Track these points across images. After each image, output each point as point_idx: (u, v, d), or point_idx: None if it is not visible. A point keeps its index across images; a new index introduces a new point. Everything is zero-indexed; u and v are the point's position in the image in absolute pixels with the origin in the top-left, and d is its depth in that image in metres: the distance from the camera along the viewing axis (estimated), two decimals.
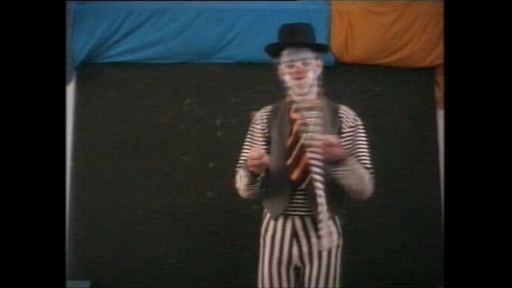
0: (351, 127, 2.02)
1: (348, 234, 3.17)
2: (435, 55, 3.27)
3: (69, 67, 3.08)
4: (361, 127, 2.03)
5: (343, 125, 2.01)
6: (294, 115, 1.95)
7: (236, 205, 3.01)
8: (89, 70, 3.23)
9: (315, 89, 1.99)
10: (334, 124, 1.99)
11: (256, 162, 1.82)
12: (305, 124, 1.89)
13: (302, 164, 1.90)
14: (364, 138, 2.04)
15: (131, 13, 3.18)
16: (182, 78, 3.27)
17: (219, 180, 3.12)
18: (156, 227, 3.16)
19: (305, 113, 1.92)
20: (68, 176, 3.14)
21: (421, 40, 3.28)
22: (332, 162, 1.84)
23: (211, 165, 3.20)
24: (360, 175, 1.92)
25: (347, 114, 2.04)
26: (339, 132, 1.99)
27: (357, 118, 2.05)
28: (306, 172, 1.89)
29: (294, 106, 1.96)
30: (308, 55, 1.96)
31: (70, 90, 3.20)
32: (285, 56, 2.00)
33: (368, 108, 3.30)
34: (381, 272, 3.18)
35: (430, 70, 3.36)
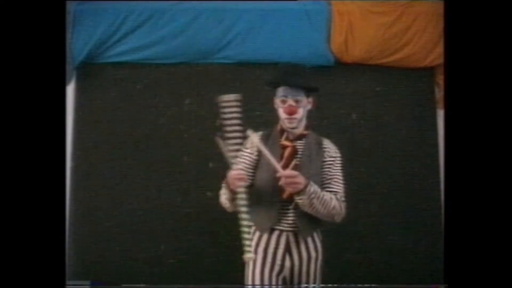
0: (332, 157, 2.23)
1: (348, 234, 3.20)
2: (435, 55, 3.26)
3: (69, 67, 3.08)
4: (339, 159, 2.25)
5: (325, 155, 2.22)
6: (285, 142, 2.21)
7: None
8: (89, 70, 3.22)
9: (303, 122, 2.25)
10: (319, 153, 2.22)
11: (233, 179, 2.05)
12: (295, 151, 2.18)
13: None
14: (340, 168, 2.25)
15: (131, 13, 3.17)
16: (182, 78, 3.26)
17: (219, 180, 3.11)
18: (156, 227, 3.16)
19: (295, 141, 2.22)
20: (68, 176, 3.13)
21: (421, 40, 3.27)
22: (296, 192, 2.04)
23: (211, 165, 3.20)
24: (324, 201, 2.10)
25: (330, 146, 2.27)
26: (321, 161, 2.21)
27: (337, 151, 2.27)
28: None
29: (285, 134, 2.22)
30: (299, 94, 2.18)
31: (70, 90, 3.20)
32: (280, 92, 2.22)
33: (368, 108, 3.31)
34: (381, 272, 3.18)
35: (430, 70, 3.35)
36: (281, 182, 2.03)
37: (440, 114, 3.27)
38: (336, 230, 2.97)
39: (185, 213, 3.18)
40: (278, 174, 2.03)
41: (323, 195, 2.10)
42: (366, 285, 3.12)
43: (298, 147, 2.21)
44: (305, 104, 2.21)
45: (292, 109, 2.16)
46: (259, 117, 3.09)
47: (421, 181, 3.29)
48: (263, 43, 3.18)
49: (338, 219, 2.19)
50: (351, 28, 3.23)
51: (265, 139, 2.25)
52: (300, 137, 2.23)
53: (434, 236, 3.18)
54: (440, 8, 3.00)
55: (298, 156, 2.19)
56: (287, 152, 2.18)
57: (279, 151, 2.19)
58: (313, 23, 3.21)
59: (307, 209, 2.09)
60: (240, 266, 3.03)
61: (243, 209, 2.06)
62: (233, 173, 2.07)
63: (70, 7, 3.10)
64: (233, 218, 3.08)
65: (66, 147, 2.66)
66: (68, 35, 3.08)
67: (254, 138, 2.15)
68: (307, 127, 2.27)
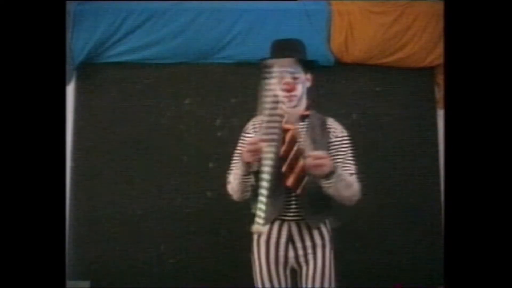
0: (338, 137, 2.11)
1: (348, 234, 3.20)
2: (435, 55, 3.27)
3: (69, 67, 3.08)
4: (347, 138, 2.12)
5: (331, 135, 2.10)
6: (286, 125, 2.05)
7: (236, 205, 2.99)
8: (89, 70, 3.23)
9: (304, 102, 2.12)
10: (323, 135, 2.09)
11: (252, 147, 1.89)
12: (297, 134, 2.03)
13: (296, 170, 2.00)
14: (349, 148, 2.12)
15: (131, 13, 3.18)
16: (182, 78, 3.27)
17: (219, 180, 3.10)
18: (156, 227, 3.16)
19: (297, 124, 2.06)
20: (68, 176, 3.14)
21: (421, 40, 3.28)
22: (323, 175, 1.90)
23: (211, 165, 3.20)
24: (348, 183, 1.98)
25: (335, 126, 2.14)
26: (328, 142, 2.08)
27: (344, 130, 2.14)
28: (300, 178, 2.00)
29: (286, 116, 2.07)
30: (297, 69, 2.06)
31: (70, 90, 3.20)
32: (276, 70, 2.06)
33: (368, 108, 3.31)
34: (381, 272, 3.18)
35: (430, 70, 3.36)
36: (308, 163, 1.87)
37: (440, 114, 3.28)
38: (336, 230, 2.98)
39: (185, 213, 3.18)
40: (306, 154, 1.87)
41: (347, 177, 1.98)
42: (366, 285, 3.12)
43: (300, 129, 2.07)
44: (303, 81, 2.10)
45: (290, 86, 2.04)
46: None
47: (421, 181, 3.29)
48: (263, 43, 3.16)
49: (354, 200, 2.06)
50: (351, 28, 3.23)
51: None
52: (301, 118, 2.10)
53: (434, 236, 3.18)
54: (440, 8, 3.00)
55: (301, 139, 2.05)
56: (288, 136, 2.04)
57: (280, 136, 2.03)
58: (313, 23, 3.21)
59: (332, 193, 1.97)
60: (240, 266, 3.04)
61: (266, 176, 1.85)
62: (251, 140, 1.93)
63: (70, 7, 3.10)
64: (233, 218, 3.11)
65: (66, 147, 2.66)
66: (68, 35, 3.08)
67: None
68: (308, 107, 2.14)
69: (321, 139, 2.07)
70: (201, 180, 3.19)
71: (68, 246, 3.07)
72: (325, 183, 1.94)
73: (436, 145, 3.33)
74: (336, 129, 2.13)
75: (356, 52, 3.24)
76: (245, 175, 2.01)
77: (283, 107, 2.06)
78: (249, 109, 3.18)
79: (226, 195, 2.95)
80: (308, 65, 2.12)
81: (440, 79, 3.30)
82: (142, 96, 3.25)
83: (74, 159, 3.20)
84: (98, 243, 3.14)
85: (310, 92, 2.17)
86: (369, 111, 3.30)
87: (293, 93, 2.05)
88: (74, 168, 3.19)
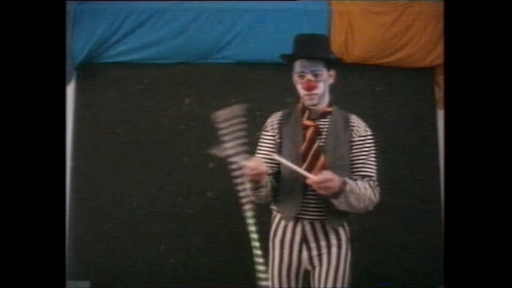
0: (361, 136, 2.04)
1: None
2: (435, 55, 3.27)
3: (69, 67, 3.08)
4: (371, 137, 2.06)
5: (353, 134, 2.04)
6: (307, 122, 2.03)
7: (236, 205, 3.00)
8: (89, 70, 3.23)
9: (326, 98, 2.07)
10: (346, 133, 2.04)
11: (252, 172, 1.87)
12: (318, 131, 1.99)
13: (316, 169, 1.94)
14: (372, 148, 2.05)
15: (131, 13, 3.18)
16: (182, 78, 3.27)
17: (219, 180, 3.12)
18: (156, 227, 3.17)
19: (318, 120, 2.03)
20: (68, 176, 3.14)
21: (421, 40, 3.28)
22: (331, 195, 1.87)
23: (211, 165, 3.20)
24: (360, 195, 1.92)
25: (358, 124, 2.08)
26: (350, 141, 2.03)
27: (368, 129, 2.08)
28: None
29: (307, 113, 2.04)
30: (319, 67, 2.00)
31: (70, 90, 3.20)
32: (298, 67, 2.03)
33: (368, 108, 3.31)
34: (381, 272, 3.18)
35: (430, 70, 3.36)
36: (314, 186, 1.82)
37: (440, 114, 3.28)
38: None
39: (185, 213, 3.18)
40: (308, 181, 1.82)
41: (359, 190, 1.90)
42: (366, 285, 3.12)
43: (322, 126, 2.03)
44: (326, 78, 2.02)
45: (311, 84, 1.97)
46: (259, 117, 3.10)
47: (421, 181, 3.29)
48: (263, 43, 3.18)
49: (371, 208, 2.00)
50: (351, 28, 3.23)
51: (286, 119, 2.09)
52: (323, 115, 2.04)
53: (434, 236, 3.18)
54: (440, 8, 3.00)
55: (323, 136, 2.01)
56: (309, 132, 2.00)
57: (301, 132, 2.02)
58: (313, 23, 3.21)
59: (343, 208, 1.92)
60: (240, 266, 3.04)
61: (252, 228, 1.93)
62: (250, 164, 1.87)
63: (70, 7, 3.10)
64: (233, 218, 3.11)
65: (66, 147, 2.66)
66: (68, 35, 3.08)
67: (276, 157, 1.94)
68: (330, 104, 2.08)
69: (343, 137, 2.02)
70: (201, 180, 3.19)
71: (68, 246, 3.07)
72: (334, 202, 1.89)
73: (436, 145, 3.33)
74: (359, 128, 2.06)
75: (356, 52, 3.24)
76: (255, 190, 1.98)
77: (304, 103, 2.04)
78: (249, 109, 3.21)
79: (226, 195, 2.95)
80: (331, 62, 2.07)
81: (440, 79, 3.30)
82: (142, 96, 3.25)
83: (74, 159, 3.20)
84: (98, 243, 3.14)
85: (333, 88, 2.12)
86: (369, 111, 3.30)
87: (313, 92, 1.99)
88: (74, 168, 3.19)
